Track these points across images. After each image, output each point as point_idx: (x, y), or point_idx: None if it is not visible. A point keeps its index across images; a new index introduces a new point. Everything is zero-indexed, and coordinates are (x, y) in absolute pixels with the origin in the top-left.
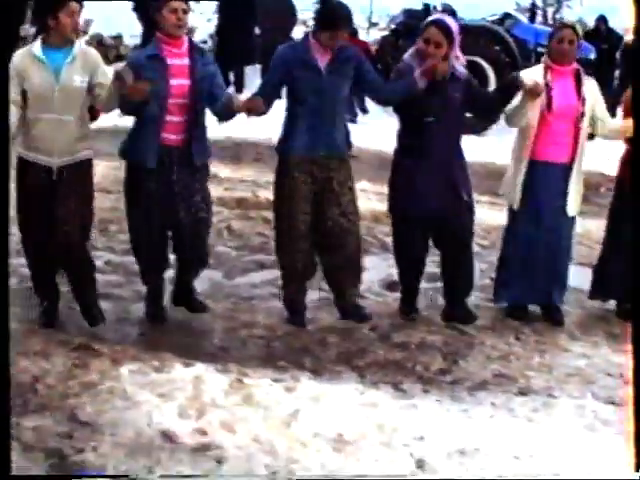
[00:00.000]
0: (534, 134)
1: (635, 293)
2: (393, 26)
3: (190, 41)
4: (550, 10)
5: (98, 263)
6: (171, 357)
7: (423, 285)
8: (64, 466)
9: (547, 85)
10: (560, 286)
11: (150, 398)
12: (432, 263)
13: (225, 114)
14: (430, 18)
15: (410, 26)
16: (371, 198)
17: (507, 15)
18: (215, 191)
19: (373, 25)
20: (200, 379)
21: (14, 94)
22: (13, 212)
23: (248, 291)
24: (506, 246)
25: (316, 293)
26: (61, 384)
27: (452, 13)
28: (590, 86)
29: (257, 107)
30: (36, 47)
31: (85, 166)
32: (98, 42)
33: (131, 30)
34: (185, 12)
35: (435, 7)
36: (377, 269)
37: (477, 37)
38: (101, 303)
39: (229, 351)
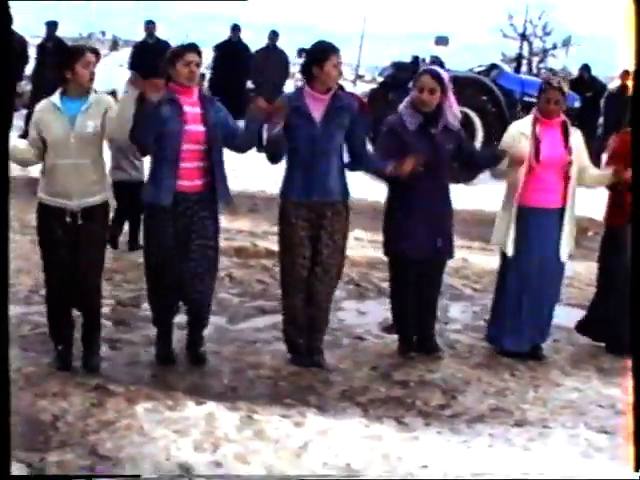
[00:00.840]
0: (522, 182)
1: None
2: (382, 79)
3: (200, 90)
4: (535, 60)
5: (105, 310)
6: (183, 396)
7: None
8: None
9: (535, 137)
10: (546, 327)
11: (166, 434)
12: None
13: (247, 139)
14: (423, 68)
15: (399, 79)
16: (365, 246)
17: (493, 66)
18: None
19: (360, 77)
20: (212, 416)
21: (32, 137)
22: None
23: (252, 335)
24: (499, 293)
25: None
26: (80, 422)
27: (440, 64)
28: (576, 137)
29: (280, 108)
30: (55, 97)
31: (102, 209)
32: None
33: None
34: (198, 65)
35: (424, 59)
36: (374, 313)
37: (464, 87)
38: (112, 348)
39: (238, 390)
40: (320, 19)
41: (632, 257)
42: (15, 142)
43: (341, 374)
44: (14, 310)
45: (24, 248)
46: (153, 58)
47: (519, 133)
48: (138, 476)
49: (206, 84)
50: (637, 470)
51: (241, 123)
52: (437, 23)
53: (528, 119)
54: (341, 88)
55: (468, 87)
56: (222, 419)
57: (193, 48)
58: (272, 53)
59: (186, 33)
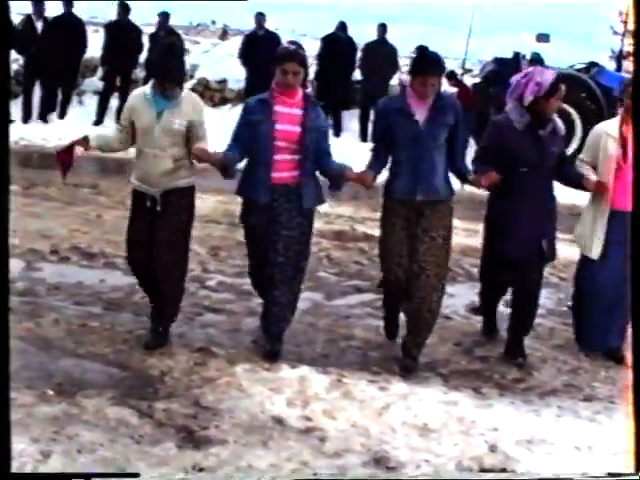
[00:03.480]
0: (611, 184)
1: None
2: (484, 74)
3: (305, 94)
4: None
5: (211, 283)
6: (279, 360)
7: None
8: (192, 439)
9: (623, 137)
10: (622, 330)
11: (262, 391)
12: None
13: (336, 183)
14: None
15: (500, 74)
16: (459, 234)
17: (593, 64)
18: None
19: (467, 72)
20: (305, 378)
21: (123, 121)
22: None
23: (346, 310)
24: (583, 295)
25: None
26: (185, 378)
27: (540, 62)
28: None
29: (366, 181)
30: (148, 88)
31: (181, 194)
32: (204, 86)
33: (236, 75)
34: (295, 74)
35: (524, 56)
36: (462, 295)
37: (563, 84)
38: (216, 317)
39: (329, 358)
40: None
41: (632, 257)
42: (101, 131)
43: (426, 348)
44: (127, 280)
45: (119, 224)
46: (262, 50)
47: (605, 134)
48: (138, 475)
49: (312, 74)
50: (637, 470)
51: (347, 113)
52: (541, 19)
53: (615, 120)
54: (458, 80)
55: (567, 84)
56: (313, 381)
57: (293, 58)
58: (381, 46)
59: (292, 28)
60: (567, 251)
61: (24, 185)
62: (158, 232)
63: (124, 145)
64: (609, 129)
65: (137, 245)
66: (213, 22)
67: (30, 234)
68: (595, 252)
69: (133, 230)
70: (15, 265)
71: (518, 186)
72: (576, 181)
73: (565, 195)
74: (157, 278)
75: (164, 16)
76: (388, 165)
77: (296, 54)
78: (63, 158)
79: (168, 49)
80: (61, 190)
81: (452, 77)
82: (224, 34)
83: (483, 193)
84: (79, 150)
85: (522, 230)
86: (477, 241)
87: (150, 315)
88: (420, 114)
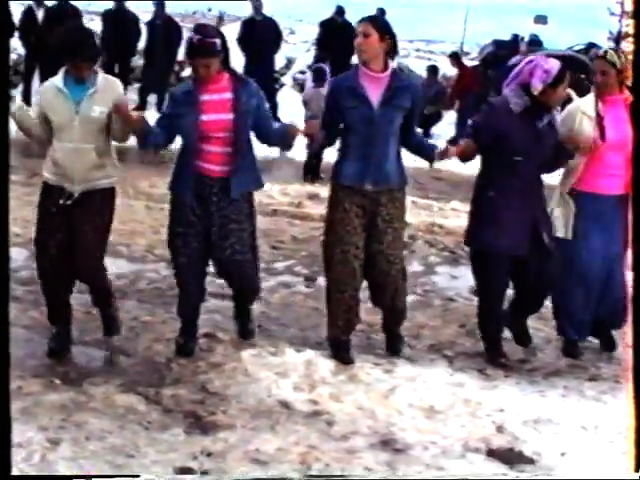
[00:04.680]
0: (583, 165)
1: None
2: (482, 56)
3: (233, 75)
4: None
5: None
6: (284, 345)
7: None
8: (200, 424)
9: (599, 115)
10: (618, 316)
11: (268, 375)
12: None
13: (284, 143)
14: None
15: (499, 56)
16: (461, 216)
17: (592, 45)
18: (317, 209)
19: (465, 54)
20: (310, 362)
21: (34, 114)
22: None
23: None
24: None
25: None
26: (191, 364)
27: (539, 44)
28: None
29: (313, 128)
30: (58, 80)
31: (104, 194)
32: None
33: (234, 61)
34: (206, 66)
35: (523, 38)
36: (466, 277)
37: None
38: (220, 303)
39: None
40: None
41: (633, 256)
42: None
43: (430, 330)
44: (131, 267)
45: (139, 212)
46: (260, 35)
47: (580, 113)
48: (138, 476)
49: (311, 58)
50: (637, 470)
51: None
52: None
53: (590, 97)
54: (458, 59)
55: (566, 65)
56: (319, 365)
57: (197, 53)
58: None
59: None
60: None
61: (25, 174)
62: (80, 235)
63: (40, 139)
64: (584, 108)
65: (49, 248)
66: (209, 9)
67: (32, 223)
68: (569, 233)
69: (44, 231)
70: (18, 254)
71: (510, 175)
72: (565, 154)
73: None
74: (85, 282)
75: (160, 4)
76: (337, 146)
77: (199, 48)
78: None
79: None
80: None
81: (455, 57)
82: (220, 20)
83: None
84: None
85: (514, 222)
86: None
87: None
88: (374, 95)
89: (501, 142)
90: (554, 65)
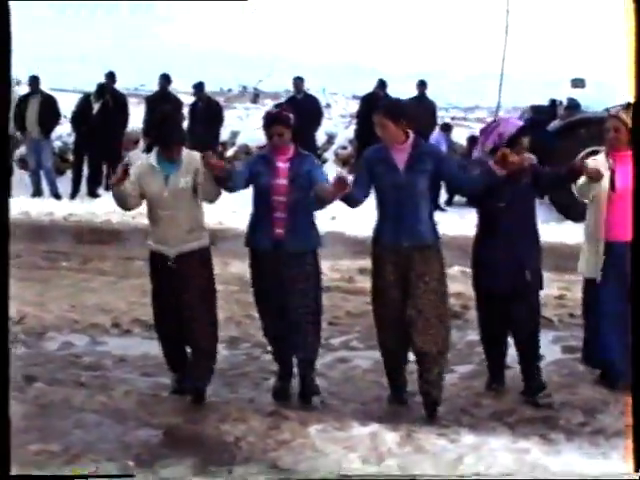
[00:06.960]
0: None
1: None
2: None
3: (296, 148)
4: None
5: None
6: (349, 419)
7: None
8: None
9: (612, 170)
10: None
11: (336, 449)
12: None
13: (317, 204)
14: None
15: (537, 122)
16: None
17: (629, 105)
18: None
19: None
20: (376, 435)
21: (131, 190)
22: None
23: (409, 367)
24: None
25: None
26: (260, 442)
27: (577, 106)
28: None
29: (343, 185)
30: (152, 158)
31: (200, 254)
32: (245, 152)
33: None
34: (280, 135)
35: (561, 102)
36: None
37: (600, 126)
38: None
39: (397, 414)
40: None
41: (632, 273)
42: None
43: (490, 397)
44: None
45: None
46: (301, 113)
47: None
48: (133, 475)
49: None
50: (637, 470)
51: None
52: (573, 66)
53: (601, 156)
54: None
55: (600, 125)
56: (385, 437)
57: (276, 121)
58: (421, 102)
59: (323, 87)
60: None
61: (78, 261)
62: (184, 296)
63: (135, 206)
64: (600, 166)
65: (168, 313)
66: (244, 87)
67: (89, 309)
68: (595, 272)
69: (160, 298)
70: (79, 340)
71: (495, 220)
72: (557, 176)
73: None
74: (191, 341)
75: (199, 87)
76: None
77: (278, 117)
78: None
79: (161, 118)
80: (115, 264)
81: None
82: (255, 98)
83: None
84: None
85: (502, 264)
86: None
87: (175, 381)
88: (400, 162)
89: (486, 192)
90: (510, 129)
